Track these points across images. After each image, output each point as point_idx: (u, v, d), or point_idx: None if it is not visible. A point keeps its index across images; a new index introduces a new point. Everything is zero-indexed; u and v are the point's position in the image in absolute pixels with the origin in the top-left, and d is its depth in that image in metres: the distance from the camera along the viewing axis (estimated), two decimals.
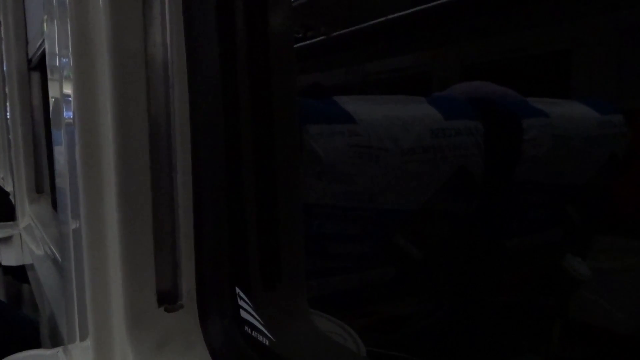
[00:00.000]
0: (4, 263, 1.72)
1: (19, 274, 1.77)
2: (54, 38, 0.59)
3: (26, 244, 1.59)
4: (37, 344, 1.24)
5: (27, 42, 1.59)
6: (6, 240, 1.69)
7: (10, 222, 1.79)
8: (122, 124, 0.46)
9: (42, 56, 1.38)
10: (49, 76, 0.65)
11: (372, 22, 3.07)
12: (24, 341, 1.22)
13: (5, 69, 1.68)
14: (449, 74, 3.07)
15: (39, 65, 1.56)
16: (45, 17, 0.70)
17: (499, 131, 0.96)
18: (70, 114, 0.52)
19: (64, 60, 0.55)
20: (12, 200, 1.90)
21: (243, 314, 0.47)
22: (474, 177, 0.93)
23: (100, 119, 0.48)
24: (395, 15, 2.86)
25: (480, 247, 1.03)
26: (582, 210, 1.12)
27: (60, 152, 0.63)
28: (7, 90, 1.71)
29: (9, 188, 2.09)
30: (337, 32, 3.47)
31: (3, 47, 1.67)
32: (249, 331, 0.47)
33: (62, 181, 0.62)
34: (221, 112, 0.47)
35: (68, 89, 0.53)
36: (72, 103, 0.50)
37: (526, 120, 0.96)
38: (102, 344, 0.51)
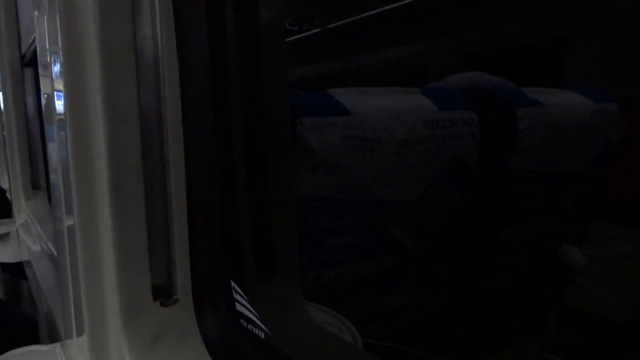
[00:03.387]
0: (2, 260, 1.72)
1: (16, 271, 1.77)
2: (44, 34, 0.59)
3: (23, 240, 1.59)
4: (35, 340, 1.25)
5: (19, 38, 1.59)
6: (3, 237, 1.69)
7: (7, 219, 1.78)
8: (113, 118, 0.46)
9: (35, 52, 1.37)
10: (40, 72, 0.65)
11: (367, 14, 3.06)
12: (22, 337, 1.23)
13: None
14: (444, 65, 3.07)
15: (32, 61, 1.55)
16: (36, 12, 0.69)
17: (493, 121, 0.96)
18: (62, 109, 0.52)
19: (55, 55, 0.54)
20: (9, 197, 1.90)
21: (238, 307, 0.47)
22: (469, 167, 0.93)
23: (91, 114, 0.48)
24: (391, 6, 2.85)
25: (476, 237, 1.03)
26: (577, 198, 1.13)
27: (53, 148, 0.63)
28: (0, 86, 1.70)
29: (5, 185, 2.08)
30: (333, 24, 3.45)
31: None
32: (245, 324, 0.47)
33: (56, 177, 0.62)
34: (213, 105, 0.47)
35: (59, 85, 0.53)
36: (63, 98, 0.50)
37: (521, 110, 0.96)
38: (98, 339, 0.51)
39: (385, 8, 2.89)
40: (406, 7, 2.75)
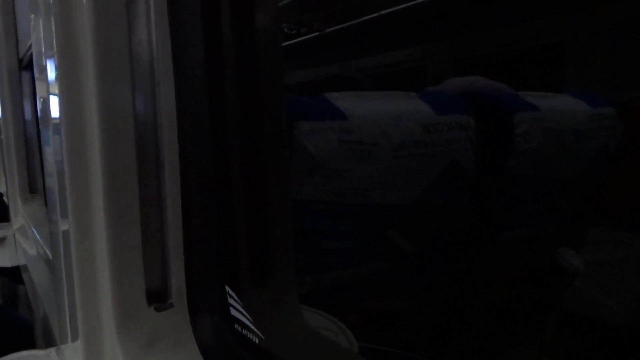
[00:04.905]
0: None
1: (13, 275, 1.77)
2: (39, 37, 0.59)
3: (20, 244, 1.59)
4: (31, 345, 1.24)
5: (17, 42, 1.59)
6: (0, 241, 1.68)
7: (4, 223, 1.78)
8: (108, 122, 0.46)
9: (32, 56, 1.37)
10: (36, 76, 0.65)
11: (365, 18, 3.07)
12: (18, 342, 1.22)
13: None
14: (441, 69, 3.07)
15: (29, 65, 1.55)
16: (32, 16, 0.69)
17: (490, 125, 0.96)
18: (57, 113, 0.52)
19: (50, 59, 0.54)
20: (6, 200, 1.89)
21: (233, 311, 0.47)
22: (466, 171, 0.93)
23: (86, 118, 0.48)
24: (388, 10, 2.85)
25: (474, 241, 1.03)
26: (574, 203, 1.13)
27: (49, 152, 0.63)
28: None
29: (2, 188, 2.08)
30: (331, 29, 3.46)
31: None
32: (239, 329, 0.47)
33: (52, 181, 0.62)
34: (208, 109, 0.47)
35: (55, 89, 0.53)
36: (58, 102, 0.50)
37: (517, 114, 0.96)
38: (93, 344, 0.51)
39: (383, 12, 2.90)
40: (404, 12, 2.76)
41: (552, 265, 1.13)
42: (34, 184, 1.67)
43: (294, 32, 3.53)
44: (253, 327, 0.45)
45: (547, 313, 1.22)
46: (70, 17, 0.47)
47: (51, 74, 0.54)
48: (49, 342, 0.92)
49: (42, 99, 0.64)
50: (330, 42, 3.62)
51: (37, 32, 0.60)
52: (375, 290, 0.94)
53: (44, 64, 0.58)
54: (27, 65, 1.57)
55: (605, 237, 1.30)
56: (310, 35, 3.56)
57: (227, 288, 0.47)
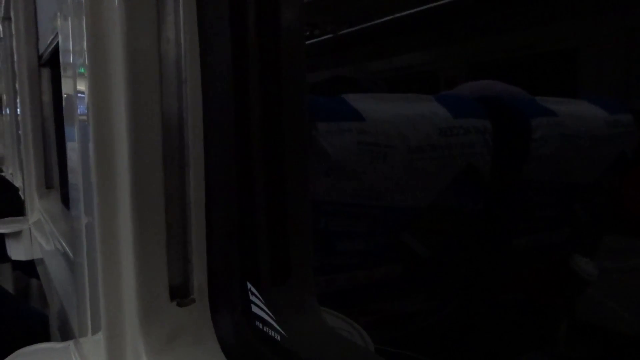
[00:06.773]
0: (14, 257, 1.74)
1: (27, 269, 1.79)
2: (67, 35, 0.60)
3: (36, 238, 1.61)
4: (46, 338, 1.26)
5: (37, 39, 1.61)
6: (16, 235, 1.70)
7: (20, 217, 1.80)
8: (136, 120, 0.46)
9: (53, 53, 1.39)
10: (62, 73, 0.66)
11: (378, 21, 3.07)
12: (33, 334, 1.24)
13: (16, 65, 1.69)
14: (456, 73, 3.06)
15: (49, 62, 1.57)
16: (58, 13, 0.70)
17: (507, 130, 0.96)
18: (84, 110, 0.52)
19: (78, 57, 0.55)
20: (22, 195, 1.92)
21: (254, 308, 0.48)
22: (482, 175, 0.93)
23: (113, 115, 0.49)
24: (402, 13, 2.85)
25: (487, 246, 1.03)
26: (590, 209, 1.12)
27: (72, 148, 0.64)
28: (17, 86, 1.72)
29: (18, 184, 2.11)
30: (344, 31, 3.47)
31: (14, 43, 1.68)
32: (260, 326, 0.47)
33: (75, 177, 0.63)
34: (233, 109, 0.48)
35: (81, 86, 0.54)
36: (85, 99, 0.51)
37: (534, 119, 0.96)
38: (114, 337, 0.51)
39: (397, 15, 2.90)
40: (418, 15, 2.76)
41: (565, 272, 1.13)
42: (50, 180, 1.69)
43: (308, 33, 3.54)
44: (274, 325, 0.45)
45: (560, 320, 1.22)
46: (101, 15, 0.48)
47: (79, 71, 0.55)
48: (66, 335, 0.93)
49: (66, 96, 0.65)
50: (343, 45, 3.62)
51: (65, 29, 0.61)
52: (389, 292, 0.95)
53: (70, 61, 0.59)
54: (46, 62, 1.59)
55: (620, 245, 1.29)
56: (323, 37, 3.57)
57: (249, 285, 0.47)
